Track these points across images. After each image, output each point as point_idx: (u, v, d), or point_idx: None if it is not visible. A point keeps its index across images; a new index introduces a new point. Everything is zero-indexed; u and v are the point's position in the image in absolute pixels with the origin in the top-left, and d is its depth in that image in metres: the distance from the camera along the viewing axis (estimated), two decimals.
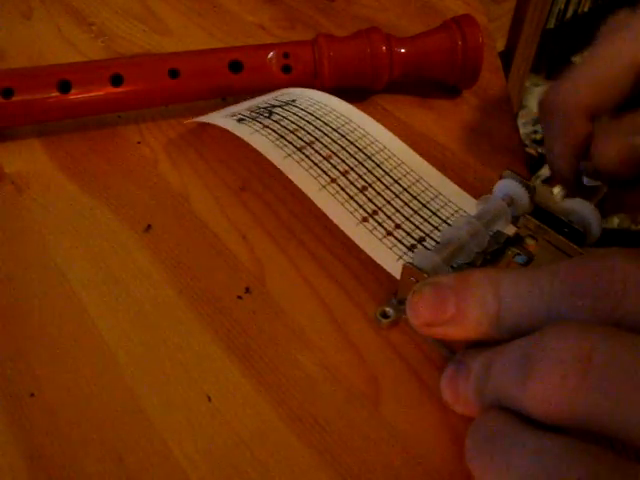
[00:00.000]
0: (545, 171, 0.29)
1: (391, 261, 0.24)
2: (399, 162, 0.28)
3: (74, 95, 0.31)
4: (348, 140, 0.29)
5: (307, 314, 0.24)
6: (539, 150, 1.24)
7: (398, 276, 0.23)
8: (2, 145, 0.32)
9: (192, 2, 0.45)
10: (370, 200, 0.26)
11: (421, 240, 0.25)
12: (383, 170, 0.28)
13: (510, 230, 0.24)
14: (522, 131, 1.29)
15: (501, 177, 0.25)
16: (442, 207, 0.27)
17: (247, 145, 0.28)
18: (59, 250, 0.27)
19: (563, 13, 1.28)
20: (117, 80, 0.31)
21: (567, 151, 0.26)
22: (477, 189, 0.28)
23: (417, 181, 0.28)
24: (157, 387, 0.22)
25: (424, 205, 0.27)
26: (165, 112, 0.34)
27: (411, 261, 0.22)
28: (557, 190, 0.27)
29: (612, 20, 0.27)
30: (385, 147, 0.29)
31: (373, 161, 0.28)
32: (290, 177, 0.26)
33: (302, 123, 0.29)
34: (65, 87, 0.31)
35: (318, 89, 0.33)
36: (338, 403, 0.22)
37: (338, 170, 0.27)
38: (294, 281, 0.26)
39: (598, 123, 0.25)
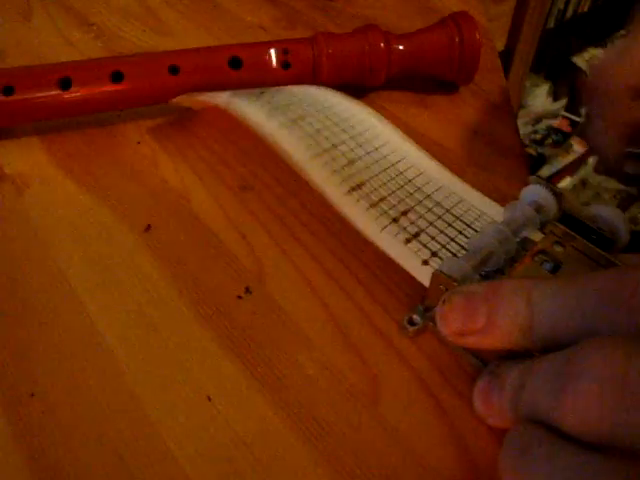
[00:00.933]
0: (545, 171, 0.29)
1: (375, 231, 0.25)
2: (386, 141, 0.29)
3: (74, 92, 0.31)
4: (339, 117, 0.30)
5: (307, 314, 0.24)
6: (539, 150, 1.24)
7: (381, 244, 0.24)
8: (2, 145, 0.32)
9: (192, 2, 0.45)
10: (357, 172, 0.27)
11: (405, 212, 0.26)
12: (373, 146, 0.29)
13: (537, 237, 0.24)
14: (522, 131, 1.29)
15: (527, 183, 0.25)
16: (427, 184, 0.28)
17: (247, 145, 0.28)
18: (59, 250, 0.27)
19: (563, 13, 1.28)
20: (117, 77, 0.31)
21: (612, 131, 0.26)
22: (477, 189, 0.28)
23: (403, 158, 0.29)
24: (157, 387, 0.22)
25: (410, 181, 0.28)
26: (165, 112, 0.34)
27: (413, 244, 0.22)
28: (564, 184, 0.27)
29: None
30: (375, 125, 0.30)
31: (363, 136, 0.29)
32: (283, 146, 0.27)
33: (293, 100, 0.30)
34: (65, 84, 0.31)
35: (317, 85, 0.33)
36: (338, 403, 0.22)
37: (330, 142, 0.28)
38: (294, 281, 0.26)
39: None
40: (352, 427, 0.21)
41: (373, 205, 0.25)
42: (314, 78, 0.33)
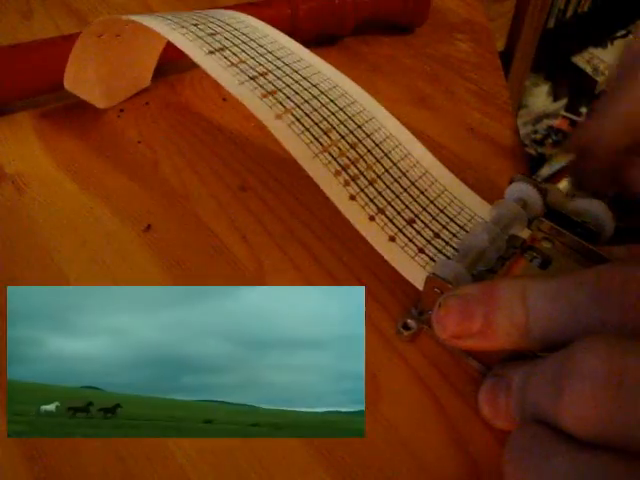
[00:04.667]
0: (545, 171, 0.29)
1: (305, 154, 0.24)
2: (316, 70, 0.29)
3: (73, 38, 0.32)
4: (265, 49, 0.29)
5: None
6: (539, 150, 1.24)
7: (344, 210, 0.23)
8: (2, 145, 0.32)
9: (192, 2, 0.45)
10: (269, 82, 0.26)
11: (373, 182, 0.26)
12: (302, 76, 0.28)
13: (525, 233, 0.24)
14: (522, 131, 1.29)
15: (511, 181, 0.25)
16: (393, 149, 0.27)
17: (247, 145, 0.28)
18: (59, 250, 0.27)
19: (563, 13, 1.28)
20: None
21: (616, 119, 0.26)
22: (477, 189, 0.28)
23: (335, 86, 0.29)
24: None
25: (341, 108, 0.27)
26: (165, 112, 0.34)
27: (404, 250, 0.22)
28: (563, 185, 0.27)
29: (630, 52, 0.27)
30: (293, 52, 0.30)
31: (290, 66, 0.29)
32: (210, 73, 0.26)
33: (219, 30, 0.29)
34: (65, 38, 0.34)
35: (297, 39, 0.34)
36: None
37: (256, 72, 0.27)
38: (294, 281, 0.26)
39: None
40: None
41: (303, 132, 0.25)
42: (292, 31, 0.37)
